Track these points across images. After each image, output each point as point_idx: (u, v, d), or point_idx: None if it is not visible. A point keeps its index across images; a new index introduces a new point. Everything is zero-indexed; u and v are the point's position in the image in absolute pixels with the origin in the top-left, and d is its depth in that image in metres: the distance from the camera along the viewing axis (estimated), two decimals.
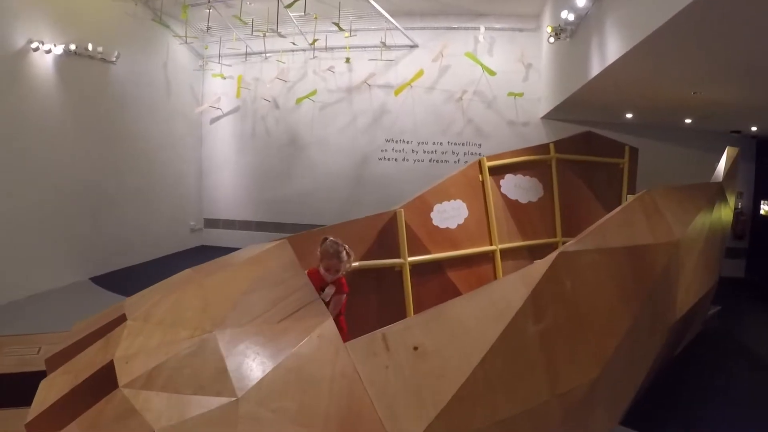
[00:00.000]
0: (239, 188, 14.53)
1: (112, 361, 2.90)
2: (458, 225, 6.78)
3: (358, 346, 3.04)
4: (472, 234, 6.90)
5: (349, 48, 13.02)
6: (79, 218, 10.48)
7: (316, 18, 12.03)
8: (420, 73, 12.41)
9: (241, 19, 11.64)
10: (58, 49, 9.84)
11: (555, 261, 3.79)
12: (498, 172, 7.53)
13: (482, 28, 12.17)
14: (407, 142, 13.12)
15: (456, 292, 6.25)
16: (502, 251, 7.15)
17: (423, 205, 6.55)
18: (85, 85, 10.63)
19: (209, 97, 14.49)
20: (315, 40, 12.52)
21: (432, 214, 6.57)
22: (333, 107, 13.57)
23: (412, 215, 6.31)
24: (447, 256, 6.54)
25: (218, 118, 14.60)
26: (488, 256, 7.05)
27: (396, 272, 6.06)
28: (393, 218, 6.14)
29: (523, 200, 7.71)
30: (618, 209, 4.72)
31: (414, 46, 12.80)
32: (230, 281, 3.57)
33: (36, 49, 9.43)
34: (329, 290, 4.37)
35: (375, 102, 13.23)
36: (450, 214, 6.74)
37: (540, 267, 3.75)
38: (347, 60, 13.02)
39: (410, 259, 6.12)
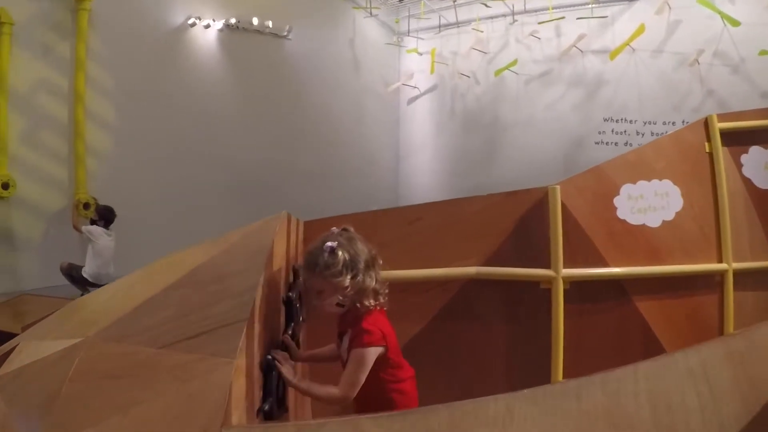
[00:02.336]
0: (436, 174, 12.87)
1: None
2: (664, 222, 4.03)
3: None
4: (687, 239, 4.08)
5: (552, 9, 10.53)
6: (251, 195, 9.82)
7: None
8: (640, 30, 9.57)
9: None
10: (218, 24, 9.35)
11: None
12: (738, 141, 4.55)
13: None
14: (630, 122, 10.32)
15: (646, 336, 3.60)
16: (739, 273, 4.20)
17: (601, 184, 3.85)
18: (254, 61, 10.10)
19: (405, 74, 12.94)
20: None
21: (617, 200, 3.92)
22: (539, 80, 11.23)
23: (577, 199, 3.69)
24: (638, 272, 3.75)
25: (416, 98, 13.08)
26: (713, 280, 4.19)
27: (541, 291, 3.59)
28: (542, 201, 3.64)
29: None
30: None
31: None
32: (174, 266, 2.63)
33: (193, 25, 9.08)
34: (346, 340, 2.38)
35: (589, 71, 10.60)
36: (651, 202, 4.04)
37: None
38: (551, 17, 10.49)
39: (568, 271, 3.53)
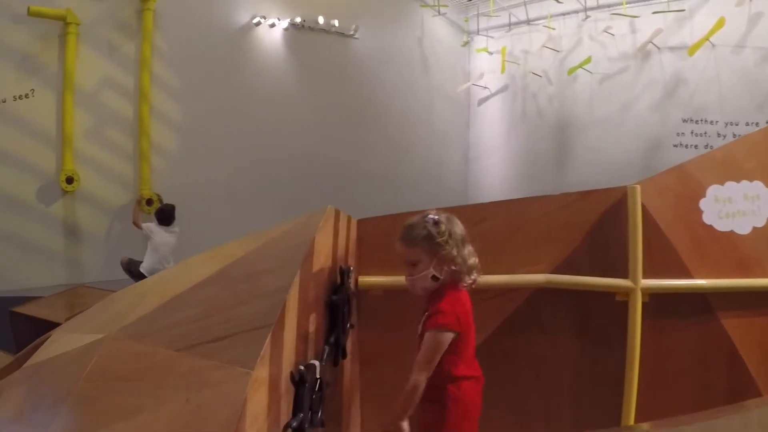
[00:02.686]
0: (507, 177, 12.38)
1: None
2: (754, 229, 3.61)
3: None
4: None
5: (626, 3, 9.96)
6: (315, 196, 9.62)
7: None
8: (720, 24, 8.94)
9: None
10: (283, 23, 9.34)
11: None
12: None
13: None
14: (711, 123, 9.66)
15: (731, 357, 3.19)
16: None
17: (685, 184, 3.44)
18: (320, 60, 10.01)
19: (475, 74, 12.57)
20: None
21: (703, 204, 3.46)
22: (614, 79, 10.65)
23: (659, 201, 3.33)
24: (725, 285, 3.31)
25: (486, 99, 12.67)
26: None
27: (617, 304, 3.19)
28: (620, 202, 3.26)
29: None
30: None
31: None
32: (210, 261, 2.51)
33: (258, 24, 9.10)
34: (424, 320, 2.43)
35: (666, 69, 9.96)
36: (740, 206, 3.59)
37: None
38: (625, 12, 9.92)
39: (647, 282, 3.17)
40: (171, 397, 1.58)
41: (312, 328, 2.22)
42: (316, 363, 2.09)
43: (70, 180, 7.47)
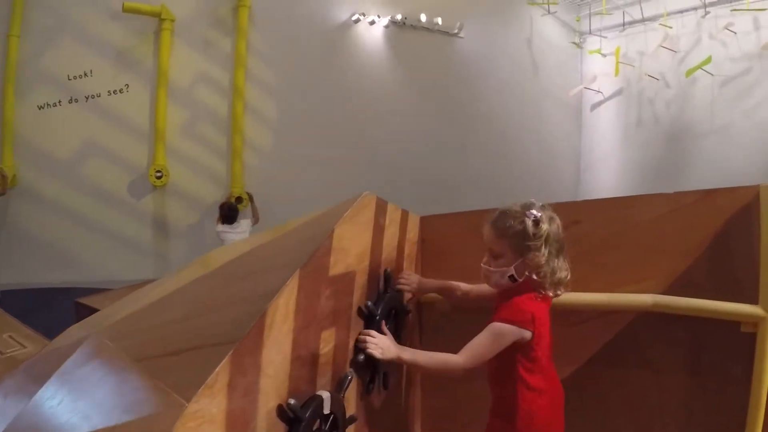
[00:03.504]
0: (621, 188, 11.45)
1: None
2: None
3: None
4: None
5: None
6: (413, 200, 9.25)
7: None
8: None
9: None
10: (384, 21, 9.09)
11: None
12: None
13: None
14: None
15: None
16: None
17: None
18: (422, 60, 9.70)
19: (588, 77, 11.75)
20: None
21: None
22: (737, 81, 9.66)
23: None
24: None
25: (599, 103, 11.88)
26: None
27: (741, 336, 2.41)
28: (750, 206, 2.50)
29: None
30: None
31: None
32: (224, 255, 2.26)
33: (357, 21, 8.91)
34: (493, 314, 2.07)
35: None
36: None
37: None
38: (748, 6, 8.84)
39: None
40: (104, 420, 1.36)
41: (327, 348, 1.71)
42: (324, 394, 1.59)
43: (159, 175, 7.51)
